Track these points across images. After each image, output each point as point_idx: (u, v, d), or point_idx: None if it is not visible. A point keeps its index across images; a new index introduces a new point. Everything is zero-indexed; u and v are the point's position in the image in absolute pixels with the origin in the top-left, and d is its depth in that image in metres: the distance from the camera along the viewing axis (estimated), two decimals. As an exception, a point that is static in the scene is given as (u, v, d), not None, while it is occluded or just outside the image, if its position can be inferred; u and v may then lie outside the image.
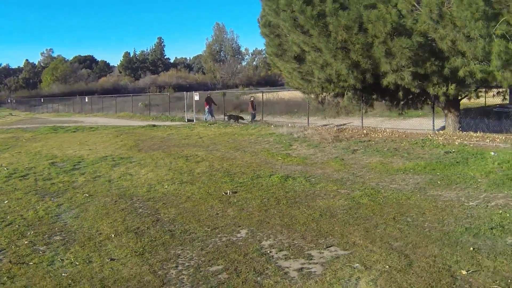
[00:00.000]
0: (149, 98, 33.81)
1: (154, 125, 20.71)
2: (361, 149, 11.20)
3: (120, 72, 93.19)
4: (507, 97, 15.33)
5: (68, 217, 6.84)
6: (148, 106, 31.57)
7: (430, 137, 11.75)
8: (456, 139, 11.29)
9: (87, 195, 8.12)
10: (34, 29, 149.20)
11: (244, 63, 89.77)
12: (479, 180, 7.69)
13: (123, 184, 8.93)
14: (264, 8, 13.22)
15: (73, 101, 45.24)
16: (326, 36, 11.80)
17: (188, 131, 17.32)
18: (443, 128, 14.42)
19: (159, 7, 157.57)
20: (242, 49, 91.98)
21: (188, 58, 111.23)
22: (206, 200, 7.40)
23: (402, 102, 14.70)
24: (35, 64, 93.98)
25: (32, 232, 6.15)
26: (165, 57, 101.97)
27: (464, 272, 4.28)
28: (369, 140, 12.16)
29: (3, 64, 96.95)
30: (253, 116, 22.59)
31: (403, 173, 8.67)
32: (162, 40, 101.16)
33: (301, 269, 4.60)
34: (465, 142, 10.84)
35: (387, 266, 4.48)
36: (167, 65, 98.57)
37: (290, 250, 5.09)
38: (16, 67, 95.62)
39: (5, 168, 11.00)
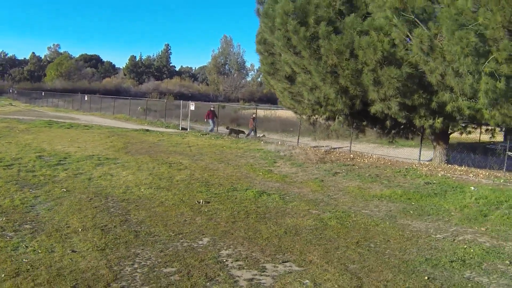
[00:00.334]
0: (147, 103, 34.02)
1: (147, 130, 20.83)
2: (343, 173, 11.31)
3: (125, 75, 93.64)
4: (495, 135, 15.47)
5: (42, 208, 7.02)
6: (146, 111, 31.77)
7: (415, 167, 11.87)
8: (440, 171, 11.40)
9: (65, 190, 8.29)
10: (44, 23, 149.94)
11: (248, 79, 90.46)
12: (452, 213, 7.75)
13: (102, 183, 9.07)
14: (261, 25, 13.19)
15: (73, 98, 45.36)
16: (317, 59, 11.83)
17: (179, 139, 17.45)
18: (431, 159, 14.52)
19: (170, 14, 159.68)
20: (247, 65, 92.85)
21: (193, 68, 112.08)
22: (178, 206, 7.53)
23: (393, 131, 14.65)
24: (41, 57, 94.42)
25: (4, 218, 6.35)
26: (171, 64, 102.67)
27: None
28: (353, 165, 12.28)
29: (10, 55, 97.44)
30: (254, 132, 22.38)
31: (378, 199, 8.75)
32: (169, 47, 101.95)
33: (252, 279, 4.72)
34: (448, 174, 10.95)
35: (337, 286, 4.58)
36: (172, 73, 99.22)
37: (246, 261, 5.21)
38: (22, 58, 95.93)
39: (-9, 157, 11.16)
